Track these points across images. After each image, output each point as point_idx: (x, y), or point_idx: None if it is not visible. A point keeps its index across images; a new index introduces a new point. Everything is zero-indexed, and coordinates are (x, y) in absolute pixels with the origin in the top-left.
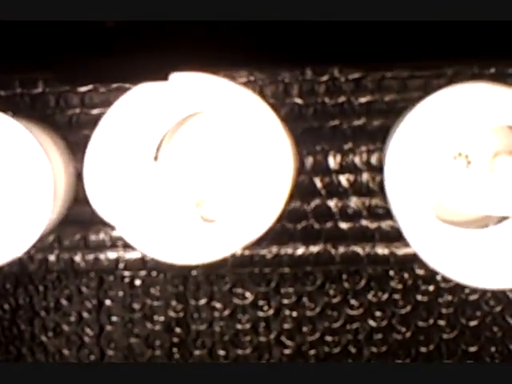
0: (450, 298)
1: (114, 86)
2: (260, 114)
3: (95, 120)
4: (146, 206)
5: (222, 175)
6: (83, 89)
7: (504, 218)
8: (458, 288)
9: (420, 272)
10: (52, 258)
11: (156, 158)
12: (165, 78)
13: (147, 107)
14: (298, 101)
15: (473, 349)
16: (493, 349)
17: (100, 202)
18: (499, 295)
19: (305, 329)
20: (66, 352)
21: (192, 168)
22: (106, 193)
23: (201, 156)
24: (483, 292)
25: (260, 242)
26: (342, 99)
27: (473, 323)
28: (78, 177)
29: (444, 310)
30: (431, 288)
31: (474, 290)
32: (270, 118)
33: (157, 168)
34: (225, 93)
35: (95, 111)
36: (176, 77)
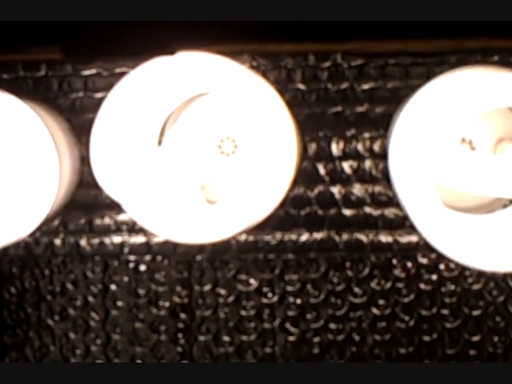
0: (453, 287)
1: (118, 70)
2: (265, 98)
3: (99, 104)
4: (152, 188)
5: (227, 158)
6: (86, 72)
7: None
8: (461, 278)
9: (423, 261)
10: (58, 241)
11: (160, 141)
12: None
13: (153, 86)
14: (301, 87)
15: (476, 338)
16: (495, 338)
17: (108, 182)
18: (502, 285)
19: (309, 316)
20: (72, 336)
21: (197, 150)
22: (114, 174)
23: (205, 138)
24: (486, 282)
25: (264, 227)
26: (344, 85)
27: (476, 313)
28: (83, 161)
29: (447, 300)
30: (434, 277)
31: (476, 280)
32: (275, 102)
33: (162, 150)
34: (230, 74)
35: (99, 95)
36: (181, 56)
